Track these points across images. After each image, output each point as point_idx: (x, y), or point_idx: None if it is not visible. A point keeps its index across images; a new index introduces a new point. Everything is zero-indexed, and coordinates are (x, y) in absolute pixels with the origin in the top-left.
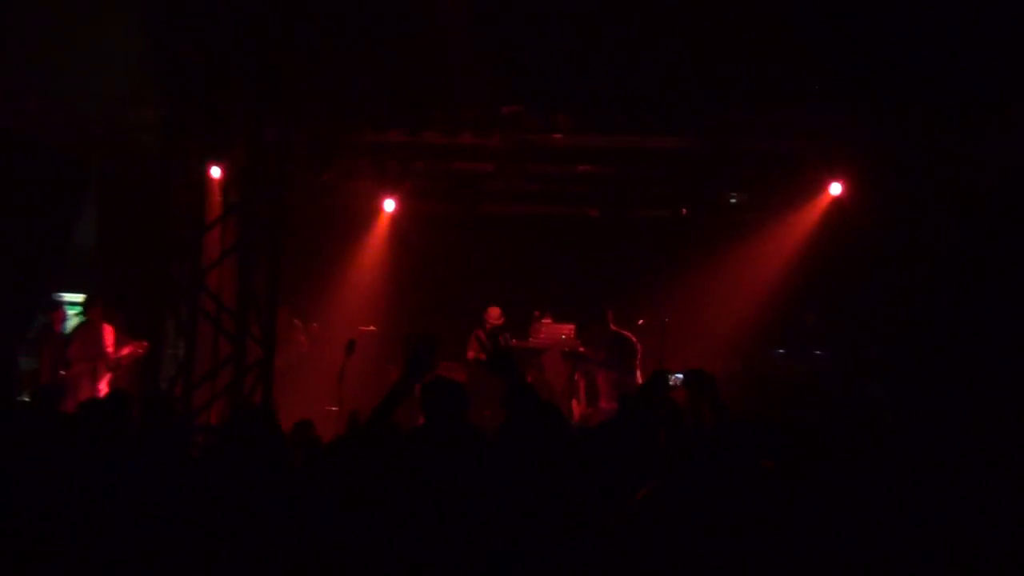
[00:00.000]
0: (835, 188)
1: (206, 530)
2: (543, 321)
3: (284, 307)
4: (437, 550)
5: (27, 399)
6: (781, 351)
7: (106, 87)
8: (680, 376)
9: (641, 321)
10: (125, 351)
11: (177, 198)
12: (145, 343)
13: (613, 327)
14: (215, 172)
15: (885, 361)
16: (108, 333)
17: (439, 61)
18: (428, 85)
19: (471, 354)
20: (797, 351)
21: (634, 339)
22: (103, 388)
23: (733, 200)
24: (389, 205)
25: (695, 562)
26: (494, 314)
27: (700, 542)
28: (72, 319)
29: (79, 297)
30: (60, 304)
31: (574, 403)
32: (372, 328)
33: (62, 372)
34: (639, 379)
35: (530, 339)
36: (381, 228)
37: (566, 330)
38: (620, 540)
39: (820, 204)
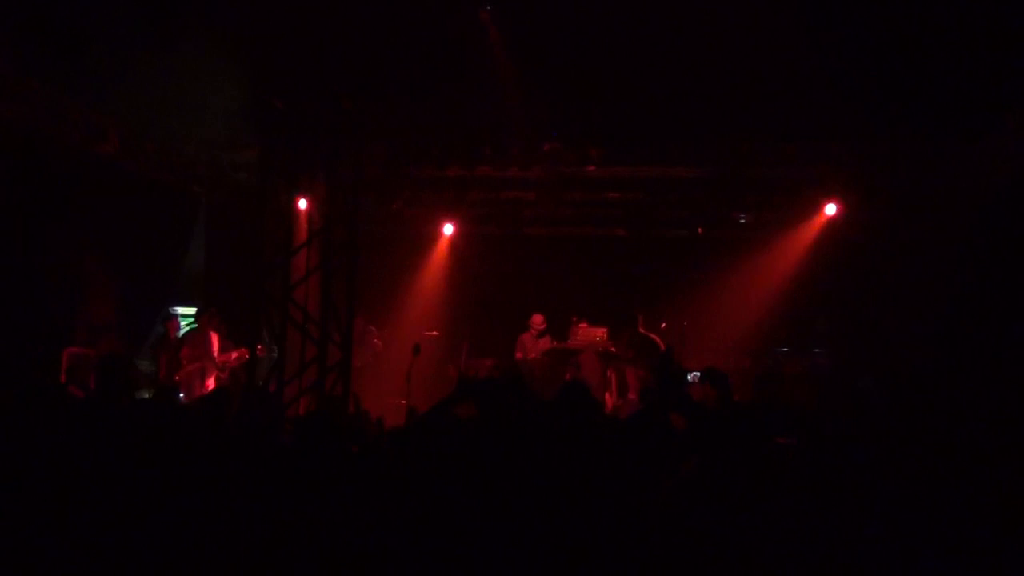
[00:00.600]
0: (830, 208)
1: (297, 502)
2: (580, 325)
3: (360, 316)
4: (485, 524)
5: (146, 397)
6: (785, 350)
7: (210, 133)
8: (697, 374)
9: (664, 325)
10: (234, 355)
11: (270, 226)
12: (245, 349)
13: (642, 330)
14: (302, 204)
15: (877, 357)
16: (214, 339)
17: (489, 108)
18: (480, 128)
19: (519, 355)
20: (799, 350)
21: (659, 340)
22: (211, 385)
23: (742, 220)
24: (448, 229)
25: (715, 533)
26: (537, 320)
27: (721, 516)
28: (184, 328)
29: (191, 309)
30: (175, 315)
31: (607, 396)
32: (435, 333)
33: (176, 377)
34: None
35: (569, 341)
36: (441, 248)
37: (599, 333)
38: (653, 517)
39: (817, 223)
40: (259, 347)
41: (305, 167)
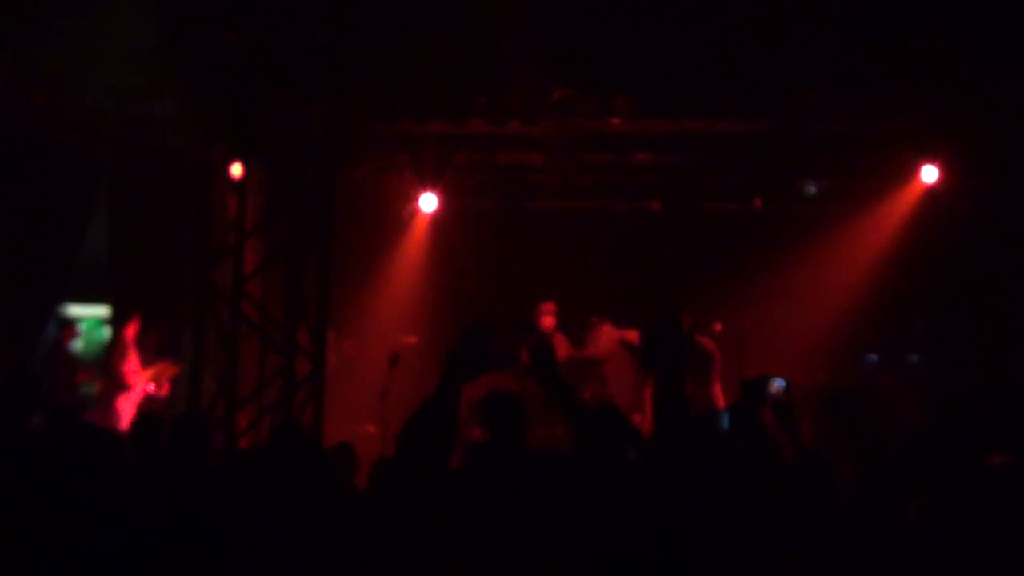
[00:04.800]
0: (929, 174)
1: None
2: (602, 328)
3: None
4: None
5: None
6: (873, 358)
7: (117, 78)
8: (783, 383)
9: (719, 326)
10: (149, 372)
11: (214, 198)
12: (168, 361)
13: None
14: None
15: (993, 366)
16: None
17: (483, 42)
18: (471, 69)
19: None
20: (892, 358)
21: (711, 346)
22: (129, 411)
23: (812, 190)
24: (428, 203)
25: None
26: (548, 308)
27: None
28: (85, 335)
29: (93, 309)
30: (73, 321)
31: (638, 418)
32: (414, 339)
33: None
34: (719, 392)
35: (588, 348)
36: (420, 229)
37: (630, 337)
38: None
39: (912, 193)
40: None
41: (259, 123)
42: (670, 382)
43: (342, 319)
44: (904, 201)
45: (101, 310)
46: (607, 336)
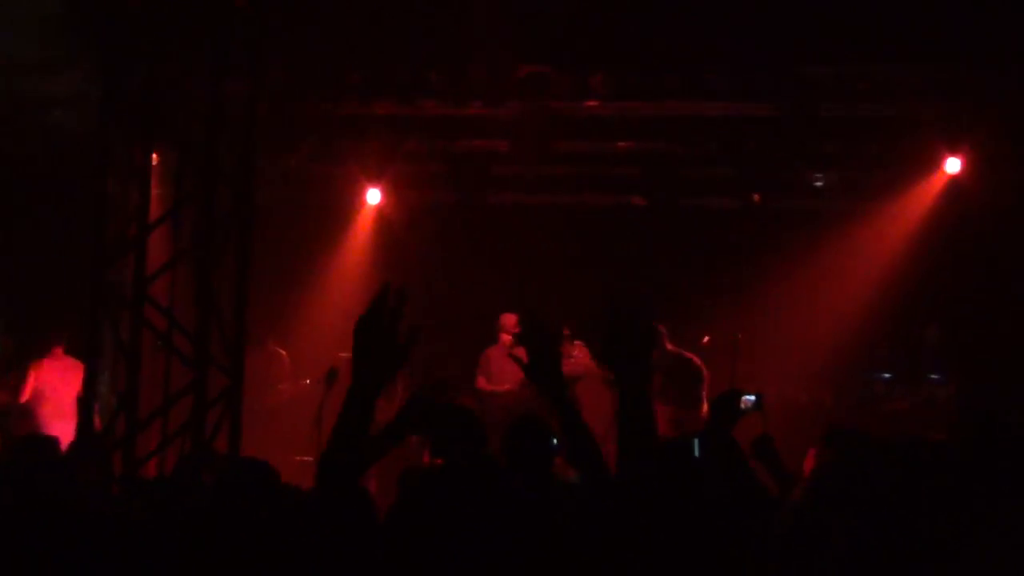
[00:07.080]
0: (952, 165)
1: None
2: (575, 342)
3: (267, 334)
4: None
5: None
6: (886, 376)
7: (8, 49)
8: (752, 398)
9: (706, 339)
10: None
11: (112, 187)
12: None
13: (669, 347)
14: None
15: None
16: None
17: (439, 7)
18: (423, 39)
19: (481, 381)
20: (907, 375)
21: (698, 362)
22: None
23: (819, 183)
24: (373, 196)
25: None
26: (510, 322)
27: None
28: None
29: None
30: None
31: (612, 448)
32: None
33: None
34: (705, 413)
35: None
36: (363, 226)
37: None
38: None
39: (933, 186)
40: None
41: (166, 99)
42: (634, 392)
43: (268, 329)
44: (924, 196)
45: None
46: (580, 352)
